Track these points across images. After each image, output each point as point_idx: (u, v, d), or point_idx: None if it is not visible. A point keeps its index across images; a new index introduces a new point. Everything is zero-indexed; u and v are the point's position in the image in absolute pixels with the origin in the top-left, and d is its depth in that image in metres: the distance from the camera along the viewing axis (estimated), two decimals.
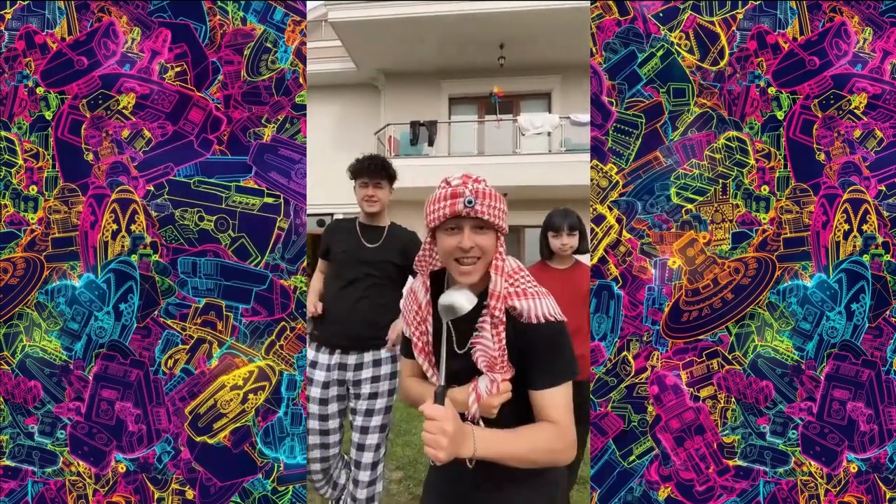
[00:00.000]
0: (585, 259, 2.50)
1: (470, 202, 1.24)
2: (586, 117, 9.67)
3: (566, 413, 1.25)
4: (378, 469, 2.42)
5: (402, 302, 1.49)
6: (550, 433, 1.23)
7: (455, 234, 1.29)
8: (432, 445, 1.08)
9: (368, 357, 2.44)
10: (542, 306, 1.29)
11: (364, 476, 2.37)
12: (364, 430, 2.39)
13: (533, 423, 1.27)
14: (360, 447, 2.39)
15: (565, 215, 2.64)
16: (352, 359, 2.44)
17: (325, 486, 2.58)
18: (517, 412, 1.30)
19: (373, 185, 2.54)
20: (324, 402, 2.40)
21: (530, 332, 1.28)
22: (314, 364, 2.45)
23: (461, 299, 1.25)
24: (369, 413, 2.38)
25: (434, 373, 1.39)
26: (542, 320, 1.28)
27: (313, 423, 2.40)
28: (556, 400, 1.25)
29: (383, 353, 2.45)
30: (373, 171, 2.53)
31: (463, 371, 1.32)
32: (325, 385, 2.40)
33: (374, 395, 2.40)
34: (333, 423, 2.42)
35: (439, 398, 1.15)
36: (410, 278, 2.47)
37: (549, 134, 10.17)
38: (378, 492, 2.43)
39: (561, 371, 1.28)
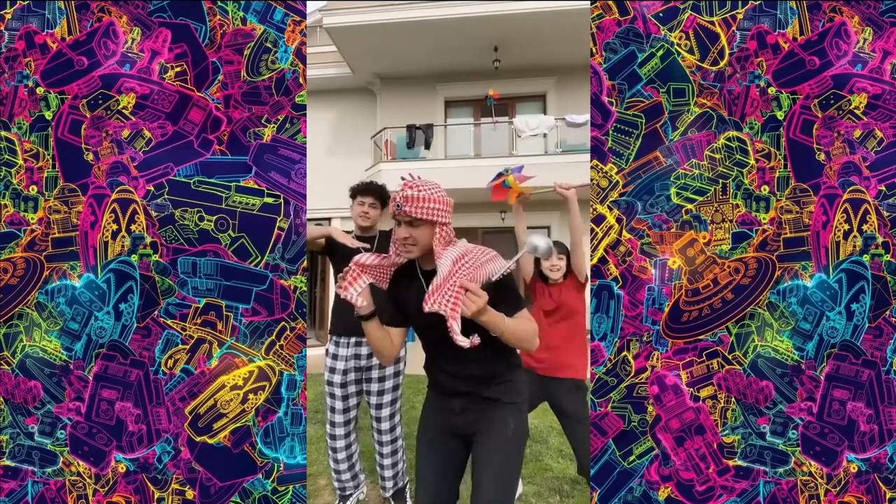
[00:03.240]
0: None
1: (398, 206, 1.64)
2: (581, 118, 9.65)
3: (531, 318, 1.74)
4: (396, 422, 3.15)
5: (369, 256, 1.80)
6: (528, 323, 1.70)
7: (399, 228, 1.70)
8: (469, 302, 1.53)
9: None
10: (490, 272, 1.67)
11: (385, 425, 3.09)
12: (379, 407, 3.08)
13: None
14: (378, 419, 3.09)
15: (555, 243, 3.01)
16: (364, 350, 3.03)
17: (345, 462, 3.09)
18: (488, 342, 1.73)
19: (368, 204, 3.11)
20: (344, 385, 3.02)
21: (490, 288, 1.65)
22: (335, 357, 3.05)
23: (541, 241, 1.74)
24: (381, 393, 3.05)
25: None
26: (493, 279, 1.68)
27: (337, 403, 3.03)
28: (524, 314, 1.71)
29: None
30: (367, 192, 3.12)
31: (432, 322, 1.67)
32: (345, 372, 3.02)
33: (382, 379, 3.03)
34: (353, 400, 3.08)
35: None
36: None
37: (544, 135, 10.16)
38: (401, 444, 3.17)
39: (516, 303, 1.73)
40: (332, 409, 3.05)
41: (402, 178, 1.71)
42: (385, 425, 3.10)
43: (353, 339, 3.04)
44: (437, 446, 1.84)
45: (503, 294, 1.71)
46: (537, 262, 3.07)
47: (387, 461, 3.13)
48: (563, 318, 2.96)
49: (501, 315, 1.61)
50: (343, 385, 3.03)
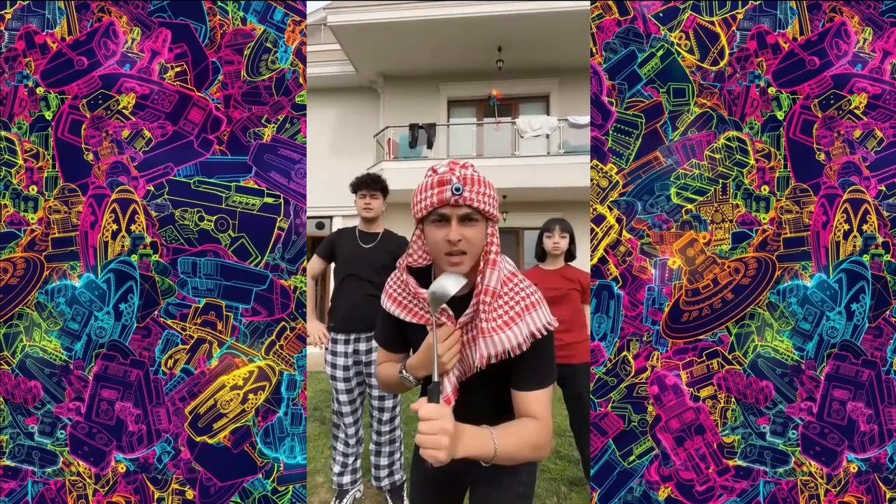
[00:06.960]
0: (576, 264, 3.22)
1: (458, 189, 1.20)
2: (584, 119, 9.67)
3: (548, 411, 1.28)
4: (397, 413, 3.22)
5: (385, 297, 1.54)
6: (536, 429, 1.24)
7: (443, 227, 1.24)
8: (432, 446, 1.03)
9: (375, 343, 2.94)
10: (535, 322, 1.28)
11: (386, 416, 3.17)
12: (382, 398, 3.16)
13: (516, 420, 1.27)
14: (381, 409, 3.17)
15: (559, 220, 3.20)
16: (363, 346, 3.10)
17: (351, 450, 3.21)
18: (495, 406, 1.37)
19: (369, 195, 3.18)
20: (347, 380, 3.14)
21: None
22: (335, 353, 3.14)
23: (448, 283, 1.17)
24: None
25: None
26: (538, 336, 1.27)
27: (343, 396, 3.14)
28: (542, 400, 1.28)
29: None
30: (369, 184, 3.18)
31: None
32: (346, 368, 3.13)
33: None
34: (357, 392, 3.19)
35: (433, 396, 1.10)
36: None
37: (547, 136, 10.18)
38: (399, 434, 3.27)
39: (546, 375, 1.31)
40: (339, 402, 3.15)
41: (435, 169, 1.30)
42: (386, 416, 3.19)
43: (351, 336, 3.12)
44: (432, 490, 1.63)
45: (533, 361, 1.30)
46: (539, 240, 3.16)
47: (385, 449, 3.21)
48: (561, 303, 3.02)
49: (486, 442, 1.15)
50: (346, 380, 3.14)
